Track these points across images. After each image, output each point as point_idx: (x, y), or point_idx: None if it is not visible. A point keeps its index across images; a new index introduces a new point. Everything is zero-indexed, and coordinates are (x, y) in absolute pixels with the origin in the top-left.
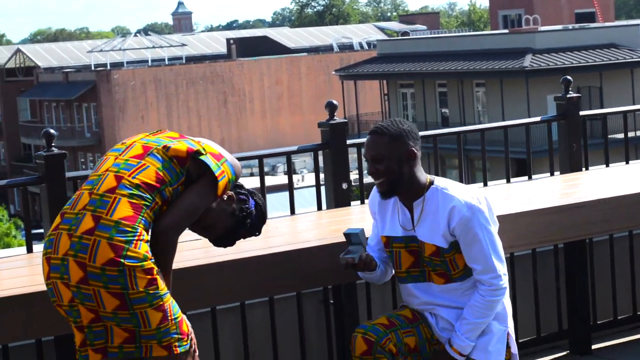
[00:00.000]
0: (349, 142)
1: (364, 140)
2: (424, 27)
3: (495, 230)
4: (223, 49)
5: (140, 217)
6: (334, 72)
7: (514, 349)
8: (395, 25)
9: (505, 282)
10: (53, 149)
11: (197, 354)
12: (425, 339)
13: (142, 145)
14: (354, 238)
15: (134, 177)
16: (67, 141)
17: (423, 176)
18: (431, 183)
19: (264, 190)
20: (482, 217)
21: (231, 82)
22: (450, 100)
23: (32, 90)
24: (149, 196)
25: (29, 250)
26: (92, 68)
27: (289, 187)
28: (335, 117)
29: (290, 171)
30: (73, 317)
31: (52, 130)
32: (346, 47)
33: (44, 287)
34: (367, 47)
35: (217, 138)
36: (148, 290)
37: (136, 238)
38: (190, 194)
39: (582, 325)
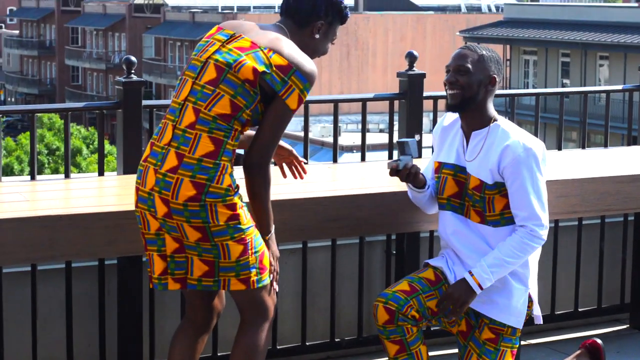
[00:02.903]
0: (425, 93)
1: (441, 93)
2: None
3: (543, 181)
4: (350, 0)
5: (222, 149)
6: (458, 33)
7: (537, 310)
8: None
9: (545, 234)
10: (132, 76)
11: (276, 289)
12: None
13: (214, 65)
14: (405, 147)
15: (209, 110)
16: None
17: (491, 110)
18: (495, 120)
19: (336, 134)
20: (534, 162)
21: (355, 35)
22: (572, 71)
23: (158, 27)
24: (226, 126)
25: (101, 173)
26: (219, 10)
27: (362, 133)
28: (414, 68)
29: (365, 117)
30: (157, 246)
31: (132, 58)
32: (474, 9)
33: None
34: (494, 10)
35: (337, 90)
36: (229, 224)
37: (218, 173)
38: (267, 125)
39: None
